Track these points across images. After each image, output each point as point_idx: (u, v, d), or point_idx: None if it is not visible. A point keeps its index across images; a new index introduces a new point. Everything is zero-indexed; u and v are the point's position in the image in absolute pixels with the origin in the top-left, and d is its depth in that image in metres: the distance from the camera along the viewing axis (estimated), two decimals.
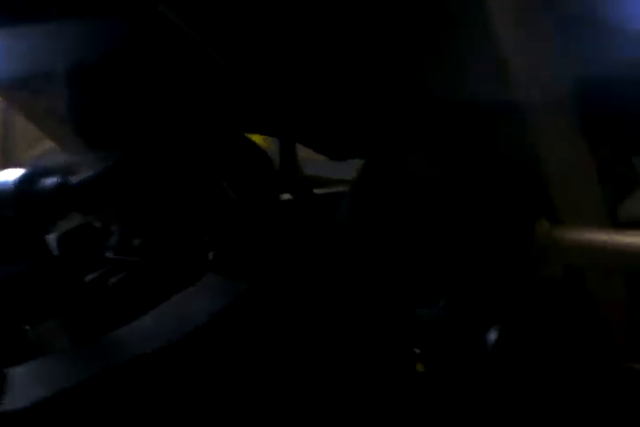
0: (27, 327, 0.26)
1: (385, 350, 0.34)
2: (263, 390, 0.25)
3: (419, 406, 0.44)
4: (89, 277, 0.29)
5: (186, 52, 0.32)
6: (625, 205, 0.57)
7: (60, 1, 0.30)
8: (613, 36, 0.32)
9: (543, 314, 0.28)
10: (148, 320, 0.24)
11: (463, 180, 0.31)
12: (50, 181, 0.27)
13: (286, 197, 0.43)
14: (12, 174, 0.27)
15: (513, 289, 0.30)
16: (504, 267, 0.30)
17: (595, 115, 0.33)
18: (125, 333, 0.23)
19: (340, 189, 0.68)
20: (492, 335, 0.49)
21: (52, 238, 0.32)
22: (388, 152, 0.38)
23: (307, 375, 0.28)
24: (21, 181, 0.26)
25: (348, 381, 0.30)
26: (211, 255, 0.27)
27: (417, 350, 0.52)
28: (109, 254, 0.31)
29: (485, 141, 0.26)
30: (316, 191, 0.58)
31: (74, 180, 0.30)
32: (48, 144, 0.42)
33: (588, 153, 0.34)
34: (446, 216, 0.35)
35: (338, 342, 0.30)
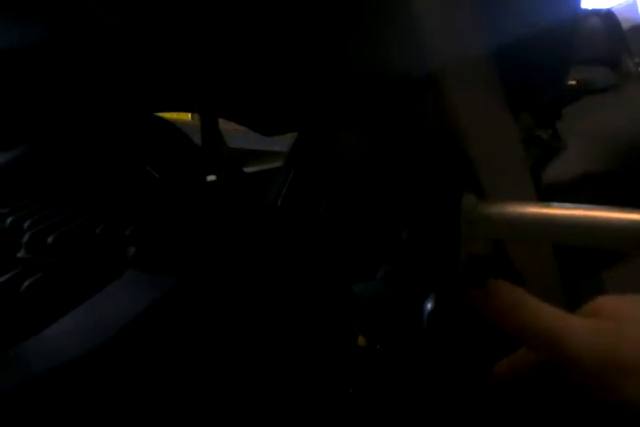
0: None
1: (325, 327, 0.34)
2: (199, 386, 0.25)
3: (363, 380, 0.44)
4: None
5: (98, 37, 0.29)
6: (548, 169, 0.59)
7: None
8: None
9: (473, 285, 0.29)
10: (64, 326, 0.22)
11: (390, 153, 0.31)
12: None
13: (212, 177, 0.41)
14: None
15: (444, 263, 0.30)
16: (434, 240, 0.31)
17: (514, 82, 0.33)
18: (37, 342, 0.21)
19: (270, 165, 0.66)
20: (429, 305, 0.50)
21: None
22: (317, 128, 0.37)
23: (247, 363, 0.27)
24: None
25: (289, 363, 0.30)
26: (131, 251, 0.26)
27: (357, 325, 0.52)
28: (21, 254, 0.29)
29: (407, 115, 0.25)
30: (246, 169, 0.56)
31: None
32: None
33: (511, 122, 0.34)
34: (376, 190, 0.35)
35: (277, 326, 0.29)
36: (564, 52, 0.36)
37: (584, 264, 0.69)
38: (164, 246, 0.26)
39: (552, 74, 0.37)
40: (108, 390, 0.21)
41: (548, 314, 0.28)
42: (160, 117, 0.36)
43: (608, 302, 0.30)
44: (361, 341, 0.51)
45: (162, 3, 0.23)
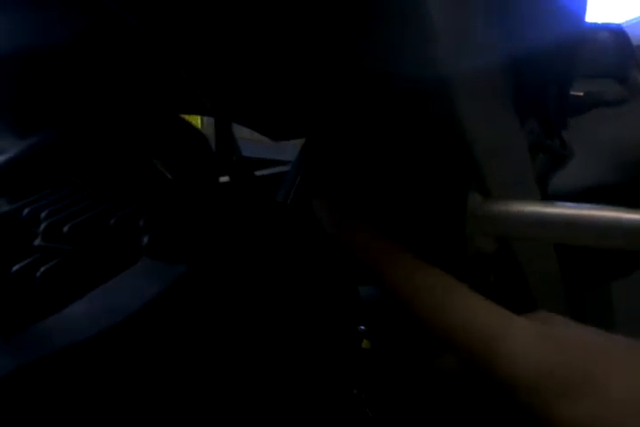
0: None
1: (330, 328, 0.35)
2: (207, 377, 0.25)
3: (367, 382, 0.44)
4: (16, 268, 0.28)
5: (124, 39, 0.30)
6: (555, 179, 0.60)
7: None
8: (541, 11, 0.32)
9: (477, 284, 0.29)
10: (77, 309, 0.23)
11: (397, 155, 0.32)
12: None
13: (225, 179, 0.42)
14: None
15: (449, 261, 0.31)
16: (439, 239, 0.31)
17: (524, 90, 0.34)
18: (52, 322, 0.22)
19: (281, 169, 0.68)
20: None
21: None
22: (326, 131, 0.38)
23: (254, 359, 0.28)
24: None
25: (295, 361, 0.31)
26: (145, 240, 0.26)
27: (362, 328, 0.52)
28: (38, 242, 0.30)
29: (417, 116, 0.26)
30: (257, 173, 0.57)
31: None
32: None
33: (517, 125, 0.35)
34: (383, 192, 0.35)
35: (283, 324, 0.30)
36: (569, 61, 0.36)
37: (591, 275, 0.69)
38: (176, 236, 0.26)
39: (557, 81, 0.37)
40: (115, 373, 0.22)
41: (486, 308, 0.25)
42: (181, 118, 0.37)
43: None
44: (365, 343, 0.51)
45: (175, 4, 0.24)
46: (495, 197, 0.28)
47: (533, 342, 0.23)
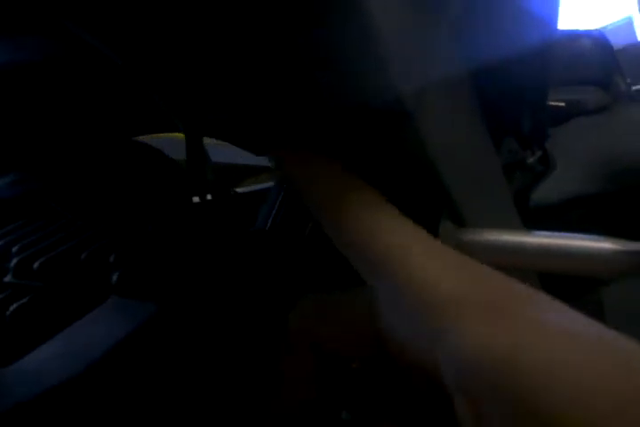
0: None
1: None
2: (181, 413, 0.25)
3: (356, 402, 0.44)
4: None
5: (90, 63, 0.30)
6: (538, 190, 0.60)
7: None
8: (509, 20, 0.32)
9: None
10: (44, 352, 0.23)
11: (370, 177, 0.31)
12: None
13: (196, 199, 0.41)
14: None
15: None
16: None
17: (495, 109, 0.34)
18: (17, 369, 0.22)
19: (260, 183, 0.67)
20: None
21: None
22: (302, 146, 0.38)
23: (229, 389, 0.27)
24: None
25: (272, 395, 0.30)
26: (114, 277, 0.26)
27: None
28: (9, 279, 0.29)
29: (384, 142, 0.26)
30: (238, 189, 0.57)
31: None
32: None
33: (491, 149, 0.35)
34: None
35: (261, 355, 0.29)
36: (541, 74, 0.36)
37: (580, 283, 0.69)
38: (146, 273, 0.26)
39: (530, 97, 0.37)
40: (89, 416, 0.22)
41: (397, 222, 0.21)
42: (137, 141, 0.37)
43: None
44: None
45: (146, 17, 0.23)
46: (468, 226, 0.28)
47: (448, 262, 0.19)
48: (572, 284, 0.65)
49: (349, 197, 0.22)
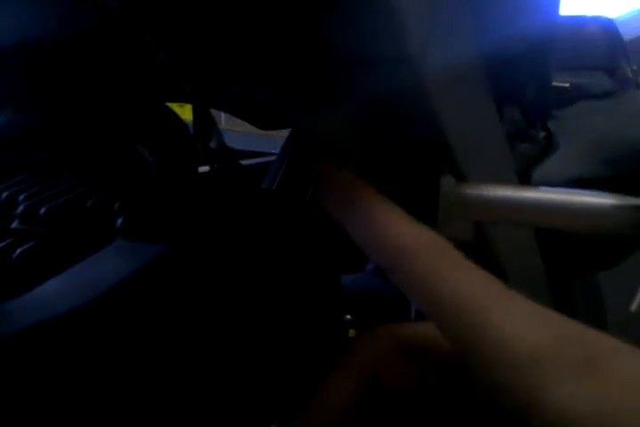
0: None
1: (316, 318, 0.35)
2: (183, 359, 0.25)
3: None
4: None
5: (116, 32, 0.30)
6: (539, 170, 0.60)
7: None
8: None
9: None
10: (49, 286, 0.23)
11: (373, 137, 0.32)
12: None
13: (205, 169, 0.42)
14: None
15: None
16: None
17: (499, 79, 0.34)
18: (23, 300, 0.22)
19: (267, 159, 0.68)
20: None
21: None
22: (307, 117, 0.38)
23: (235, 343, 0.28)
24: None
25: (280, 350, 0.31)
26: (119, 222, 0.27)
27: (348, 317, 0.52)
28: (15, 225, 0.30)
29: (387, 97, 0.26)
30: (242, 162, 0.57)
31: None
32: None
33: (494, 115, 0.35)
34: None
35: (265, 312, 0.30)
36: (543, 50, 0.37)
37: (579, 263, 0.69)
38: (150, 218, 0.27)
39: (534, 67, 0.37)
40: (87, 352, 0.22)
41: (477, 276, 0.22)
42: (163, 104, 0.37)
43: None
44: (352, 333, 0.51)
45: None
46: (468, 181, 0.28)
47: (532, 318, 0.20)
48: (579, 262, 0.65)
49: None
